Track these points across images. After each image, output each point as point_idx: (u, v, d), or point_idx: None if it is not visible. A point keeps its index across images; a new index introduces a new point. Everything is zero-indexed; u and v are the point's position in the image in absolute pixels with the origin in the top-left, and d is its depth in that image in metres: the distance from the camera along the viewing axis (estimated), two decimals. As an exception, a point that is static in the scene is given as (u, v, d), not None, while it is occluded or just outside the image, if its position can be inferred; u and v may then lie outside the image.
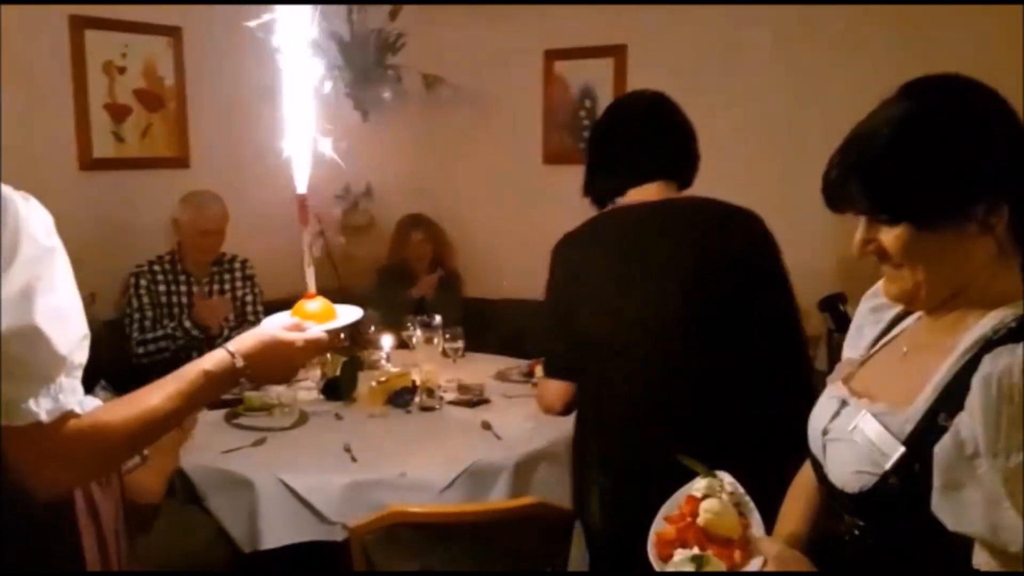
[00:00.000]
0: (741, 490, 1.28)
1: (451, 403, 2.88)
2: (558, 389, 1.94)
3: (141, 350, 3.23)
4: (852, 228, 1.14)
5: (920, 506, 1.04)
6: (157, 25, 3.77)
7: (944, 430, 1.02)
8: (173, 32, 3.83)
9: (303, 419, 2.69)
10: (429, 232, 3.96)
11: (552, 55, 4.09)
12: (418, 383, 2.89)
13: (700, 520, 1.20)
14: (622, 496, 1.78)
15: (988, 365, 0.99)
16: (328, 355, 2.94)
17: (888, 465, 1.08)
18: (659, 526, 1.25)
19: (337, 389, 2.84)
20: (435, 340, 2.98)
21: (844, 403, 1.21)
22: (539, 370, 2.32)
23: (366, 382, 2.84)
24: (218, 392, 1.24)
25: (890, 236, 1.08)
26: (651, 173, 1.89)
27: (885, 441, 1.09)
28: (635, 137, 1.93)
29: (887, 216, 1.09)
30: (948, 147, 1.06)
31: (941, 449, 1.02)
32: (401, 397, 2.83)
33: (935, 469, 1.02)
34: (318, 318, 1.32)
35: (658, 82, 3.82)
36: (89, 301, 2.22)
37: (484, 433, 2.60)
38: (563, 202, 4.18)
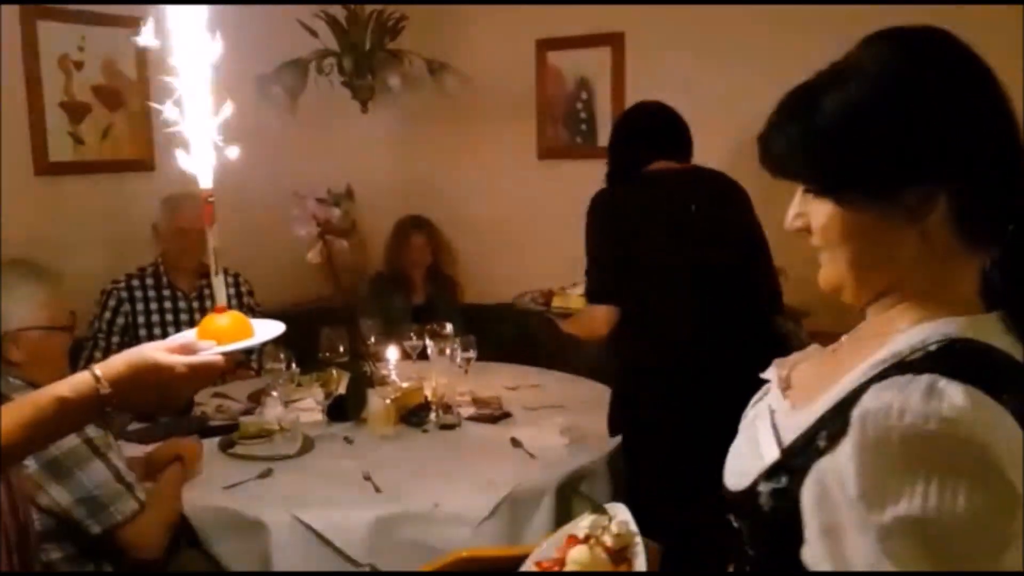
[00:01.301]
0: (633, 528, 1.17)
1: (470, 419, 2.62)
2: (606, 313, 2.38)
3: None
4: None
5: (782, 523, 0.86)
6: (117, 15, 3.44)
7: (819, 453, 0.84)
8: (134, 23, 3.49)
9: (308, 445, 2.40)
10: (430, 236, 3.68)
11: (544, 45, 3.84)
12: (430, 398, 2.63)
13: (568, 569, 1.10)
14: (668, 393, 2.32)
15: (870, 399, 0.80)
16: (333, 371, 2.66)
17: (761, 469, 0.91)
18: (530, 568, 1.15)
19: (344, 409, 2.55)
20: (447, 350, 2.71)
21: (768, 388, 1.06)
22: (556, 300, 2.64)
23: (375, 400, 2.56)
24: (76, 424, 1.03)
25: (815, 212, 0.93)
26: (667, 153, 2.51)
27: (768, 442, 0.93)
28: (653, 128, 2.57)
29: (809, 186, 0.93)
30: (889, 118, 0.87)
31: (815, 481, 0.83)
32: (416, 415, 2.56)
33: (808, 507, 0.84)
34: (228, 336, 1.09)
35: (659, 70, 3.66)
36: (70, 321, 1.93)
37: (515, 452, 2.35)
38: (560, 199, 3.99)
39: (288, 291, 3.75)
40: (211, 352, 1.07)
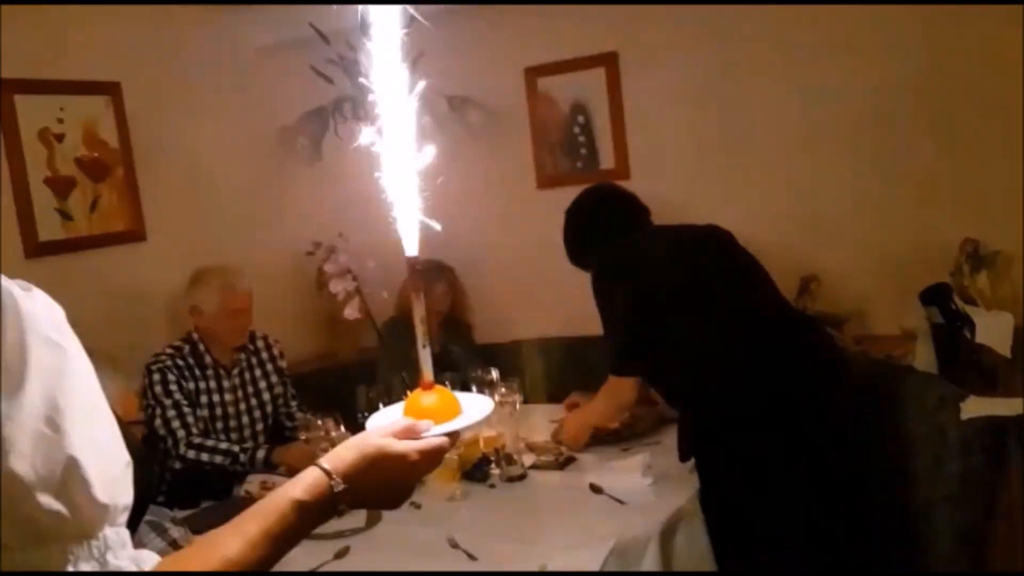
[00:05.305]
0: None
1: (533, 467, 2.50)
2: (634, 384, 2.45)
3: (192, 455, 2.64)
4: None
5: None
6: (92, 82, 3.27)
7: None
8: (111, 88, 3.33)
9: (376, 516, 2.25)
10: (451, 282, 3.53)
11: (534, 72, 3.77)
12: (484, 450, 2.51)
13: None
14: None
15: None
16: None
17: None
18: None
19: (405, 472, 2.41)
20: (496, 396, 2.59)
21: None
22: None
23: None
24: (311, 528, 0.92)
25: None
26: (641, 222, 2.61)
27: None
28: (623, 202, 2.64)
29: None
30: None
31: None
32: (479, 470, 2.43)
33: None
34: (441, 415, 0.99)
35: (656, 87, 3.60)
36: (140, 414, 1.76)
37: (600, 499, 2.23)
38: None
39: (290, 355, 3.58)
40: (439, 432, 0.96)
